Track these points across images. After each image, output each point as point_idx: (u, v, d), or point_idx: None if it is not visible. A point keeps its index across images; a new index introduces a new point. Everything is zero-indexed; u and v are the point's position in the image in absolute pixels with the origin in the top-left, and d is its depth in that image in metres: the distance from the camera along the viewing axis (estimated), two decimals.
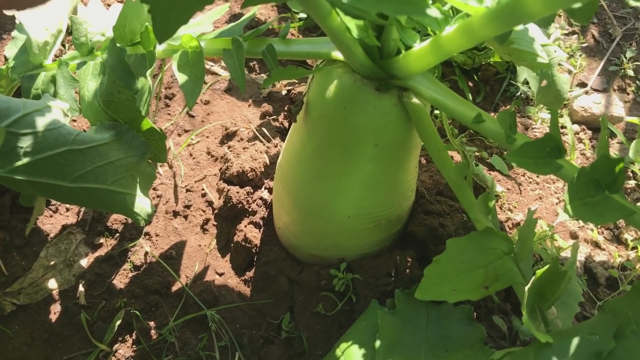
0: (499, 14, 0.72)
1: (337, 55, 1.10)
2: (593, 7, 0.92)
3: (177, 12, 0.77)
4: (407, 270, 1.31)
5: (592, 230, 1.62)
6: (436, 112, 1.74)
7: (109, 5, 1.92)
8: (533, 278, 0.97)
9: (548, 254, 1.46)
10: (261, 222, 1.49)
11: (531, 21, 1.00)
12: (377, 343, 1.13)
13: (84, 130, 1.64)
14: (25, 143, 1.08)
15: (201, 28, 1.19)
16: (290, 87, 1.84)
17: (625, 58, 2.06)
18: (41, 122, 1.11)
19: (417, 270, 1.32)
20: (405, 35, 0.93)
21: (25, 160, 1.08)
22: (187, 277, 1.44)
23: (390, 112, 1.06)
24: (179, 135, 1.72)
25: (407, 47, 0.98)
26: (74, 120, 1.68)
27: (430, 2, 0.89)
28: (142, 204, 1.21)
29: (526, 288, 0.96)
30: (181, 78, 1.15)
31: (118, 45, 1.19)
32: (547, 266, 0.99)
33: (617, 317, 0.97)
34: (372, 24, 0.95)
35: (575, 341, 0.96)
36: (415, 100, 1.06)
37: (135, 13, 1.17)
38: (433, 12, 0.75)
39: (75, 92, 1.24)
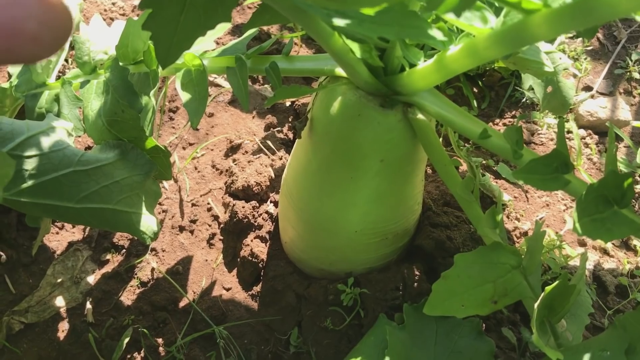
0: (504, 36, 0.71)
1: (341, 72, 1.09)
2: (597, 25, 0.91)
3: (179, 38, 0.76)
4: (415, 284, 1.31)
5: None
6: None
7: (112, 19, 1.92)
8: (542, 294, 0.97)
9: (556, 263, 1.45)
10: (267, 236, 1.49)
11: (536, 42, 0.99)
12: (386, 359, 1.12)
13: (89, 146, 1.65)
14: (30, 165, 1.08)
15: (204, 46, 1.19)
16: (294, 99, 1.84)
17: (631, 61, 2.04)
18: (45, 144, 1.11)
19: (425, 283, 1.31)
20: (409, 53, 0.92)
21: (30, 182, 1.08)
22: (194, 293, 1.44)
23: (395, 128, 1.06)
24: (184, 148, 1.72)
25: (411, 64, 0.97)
26: (78, 136, 1.68)
27: (434, 17, 0.88)
28: (148, 222, 1.21)
29: (535, 305, 0.95)
30: (185, 96, 1.15)
31: (121, 64, 1.19)
32: (557, 282, 0.98)
33: (628, 332, 0.96)
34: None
35: (587, 358, 0.95)
36: (420, 116, 1.05)
37: (138, 32, 1.16)
38: (436, 34, 0.74)
39: (80, 108, 1.24)
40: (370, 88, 1.04)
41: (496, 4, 0.83)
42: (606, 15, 0.58)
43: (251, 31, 1.21)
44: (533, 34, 0.67)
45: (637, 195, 1.72)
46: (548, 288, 0.97)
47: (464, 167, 1.68)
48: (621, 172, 1.71)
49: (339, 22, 0.66)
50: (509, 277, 1.06)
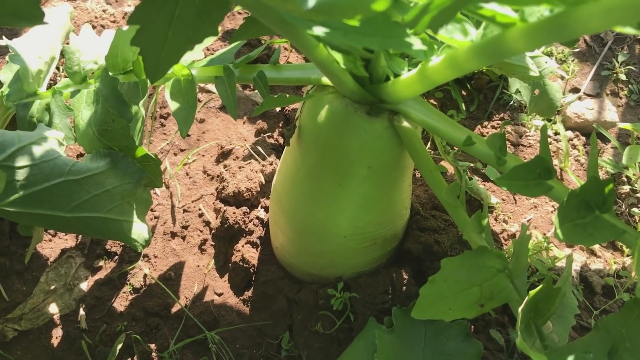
0: (484, 49, 0.73)
1: (328, 81, 1.11)
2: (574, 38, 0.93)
3: (167, 53, 0.78)
4: (404, 288, 1.32)
5: None
6: None
7: (103, 27, 1.93)
8: (527, 298, 0.98)
9: (544, 265, 1.47)
10: (258, 242, 1.50)
11: (515, 55, 1.01)
12: None
13: (81, 154, 1.66)
14: (21, 176, 1.09)
15: (192, 55, 1.20)
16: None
17: (618, 62, 2.06)
18: (36, 154, 1.12)
19: (414, 287, 1.33)
20: (393, 64, 0.94)
21: (21, 192, 1.09)
22: (186, 298, 1.45)
23: (382, 135, 1.07)
24: (175, 154, 1.73)
25: (395, 73, 0.99)
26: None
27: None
28: (139, 230, 1.22)
29: (520, 309, 0.97)
30: (174, 106, 1.17)
31: (111, 73, 1.20)
32: (541, 285, 1.00)
33: (611, 334, 0.98)
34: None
35: (570, 359, 0.96)
36: (405, 123, 1.07)
37: (127, 42, 1.17)
38: (417, 44, 0.76)
39: (71, 117, 1.25)
40: (356, 97, 1.05)
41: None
42: (579, 31, 0.60)
43: (238, 42, 1.22)
44: (511, 47, 0.69)
45: (624, 195, 1.74)
46: (532, 292, 0.99)
47: (452, 170, 1.70)
48: (608, 173, 1.73)
49: (324, 33, 0.67)
50: (495, 280, 1.07)
